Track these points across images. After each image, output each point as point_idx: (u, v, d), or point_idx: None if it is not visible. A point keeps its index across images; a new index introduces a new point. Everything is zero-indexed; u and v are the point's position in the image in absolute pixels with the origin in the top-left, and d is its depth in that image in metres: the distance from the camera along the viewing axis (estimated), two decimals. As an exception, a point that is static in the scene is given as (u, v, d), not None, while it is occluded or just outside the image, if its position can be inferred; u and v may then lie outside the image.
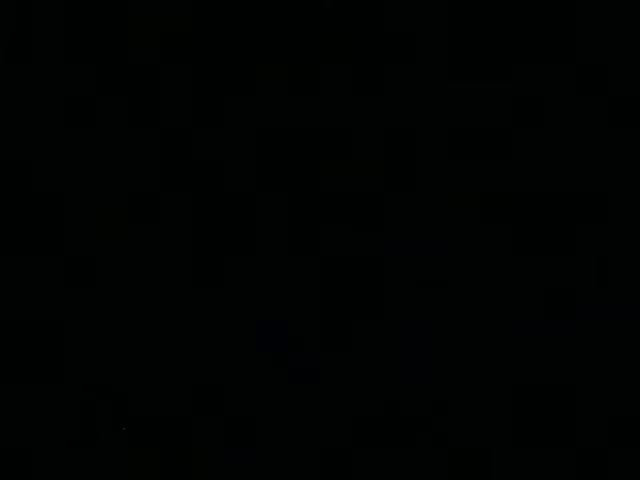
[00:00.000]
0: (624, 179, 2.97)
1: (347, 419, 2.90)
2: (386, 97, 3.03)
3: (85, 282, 2.98)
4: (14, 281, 2.98)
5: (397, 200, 3.00)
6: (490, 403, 2.89)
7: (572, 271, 2.94)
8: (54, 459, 2.89)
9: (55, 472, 2.88)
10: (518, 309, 2.93)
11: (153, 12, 3.06)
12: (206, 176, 3.03)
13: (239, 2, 3.06)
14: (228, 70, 3.05)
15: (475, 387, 2.90)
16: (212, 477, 2.89)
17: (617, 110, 2.99)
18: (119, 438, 2.90)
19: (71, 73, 3.05)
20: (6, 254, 2.99)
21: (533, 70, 3.00)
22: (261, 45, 3.05)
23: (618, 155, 2.98)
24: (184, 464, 2.89)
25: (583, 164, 2.98)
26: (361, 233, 2.99)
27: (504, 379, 2.91)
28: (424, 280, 2.96)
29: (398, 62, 3.03)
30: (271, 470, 2.89)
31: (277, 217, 3.01)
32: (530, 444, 2.87)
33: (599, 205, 2.97)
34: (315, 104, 3.03)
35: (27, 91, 3.05)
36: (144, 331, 2.96)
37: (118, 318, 2.97)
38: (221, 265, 2.99)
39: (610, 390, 2.88)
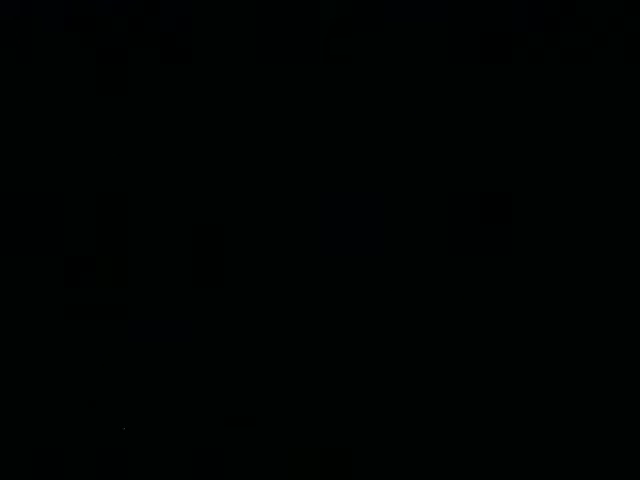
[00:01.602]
0: (626, 179, 2.97)
1: (346, 418, 2.91)
2: (385, 97, 3.03)
3: (85, 282, 2.98)
4: (14, 281, 2.98)
5: (397, 199, 3.00)
6: (488, 403, 2.90)
7: (572, 271, 2.95)
8: (53, 459, 2.89)
9: (55, 472, 2.88)
10: (516, 309, 2.94)
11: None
12: (205, 176, 3.03)
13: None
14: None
15: (472, 386, 2.91)
16: (210, 476, 2.89)
17: (618, 109, 2.99)
18: (119, 438, 2.90)
19: (71, 73, 3.05)
20: (6, 254, 2.99)
21: (533, 70, 3.00)
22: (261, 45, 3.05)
23: (619, 155, 2.98)
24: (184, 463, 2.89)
25: (584, 164, 2.98)
26: (360, 233, 2.99)
27: (501, 378, 2.91)
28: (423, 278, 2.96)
29: (398, 62, 3.03)
30: (271, 471, 2.89)
31: (278, 216, 3.01)
32: (529, 444, 2.87)
33: (599, 205, 2.96)
34: (315, 104, 3.03)
35: (27, 91, 3.05)
36: (143, 331, 2.96)
37: (117, 318, 2.97)
38: (221, 265, 2.99)
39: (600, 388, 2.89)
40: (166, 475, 2.89)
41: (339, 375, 2.93)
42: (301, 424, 2.91)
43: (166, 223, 3.01)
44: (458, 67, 3.01)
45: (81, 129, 3.04)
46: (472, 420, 2.89)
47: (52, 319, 2.96)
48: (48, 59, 3.05)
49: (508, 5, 3.01)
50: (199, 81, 3.05)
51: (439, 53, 3.02)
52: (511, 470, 2.86)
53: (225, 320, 2.97)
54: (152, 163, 3.03)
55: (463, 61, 3.01)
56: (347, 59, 3.03)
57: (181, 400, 2.93)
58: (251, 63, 3.05)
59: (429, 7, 3.03)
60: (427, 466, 2.87)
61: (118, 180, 3.03)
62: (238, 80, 3.05)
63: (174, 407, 2.93)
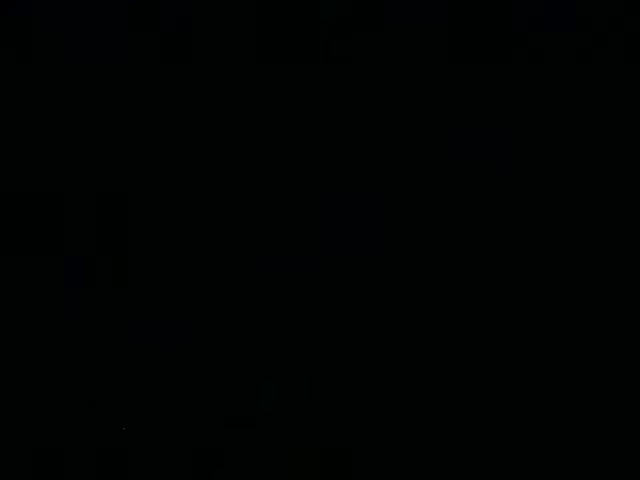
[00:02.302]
0: (626, 178, 2.97)
1: (346, 418, 2.91)
2: (385, 97, 3.03)
3: (85, 282, 2.98)
4: (14, 281, 2.98)
5: (397, 199, 3.00)
6: (488, 403, 2.90)
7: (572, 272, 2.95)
8: (53, 459, 2.89)
9: (55, 472, 2.88)
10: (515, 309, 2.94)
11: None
12: (206, 176, 3.03)
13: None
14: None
15: (472, 387, 2.91)
16: (211, 477, 2.89)
17: (618, 109, 2.99)
18: (119, 438, 2.90)
19: (71, 73, 3.05)
20: (6, 254, 2.99)
21: (533, 70, 3.00)
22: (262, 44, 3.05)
23: (619, 155, 2.98)
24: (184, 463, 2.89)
25: (584, 164, 2.98)
26: (360, 233, 2.99)
27: (501, 379, 2.91)
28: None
29: (398, 62, 3.03)
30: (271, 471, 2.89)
31: (279, 216, 3.01)
32: (528, 443, 2.87)
33: (599, 204, 2.97)
34: (314, 104, 3.04)
35: (27, 91, 3.05)
36: (143, 332, 2.96)
37: (117, 318, 2.97)
38: (221, 265, 2.99)
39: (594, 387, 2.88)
40: (166, 475, 2.89)
41: (339, 375, 2.93)
42: (301, 424, 2.91)
43: (166, 223, 3.01)
44: (458, 67, 3.01)
45: (81, 129, 3.04)
46: (472, 420, 2.89)
47: (52, 319, 2.96)
48: (48, 59, 3.05)
49: (508, 5, 3.01)
50: (199, 81, 3.05)
51: (439, 53, 3.02)
52: (511, 470, 2.86)
53: (225, 320, 2.97)
54: (152, 163, 3.03)
55: (463, 61, 3.01)
56: (347, 59, 3.03)
57: (181, 400, 2.93)
58: (251, 63, 3.05)
59: (429, 7, 3.03)
60: (427, 466, 2.87)
61: (118, 180, 3.03)
62: (238, 80, 3.05)
63: (174, 407, 2.93)
